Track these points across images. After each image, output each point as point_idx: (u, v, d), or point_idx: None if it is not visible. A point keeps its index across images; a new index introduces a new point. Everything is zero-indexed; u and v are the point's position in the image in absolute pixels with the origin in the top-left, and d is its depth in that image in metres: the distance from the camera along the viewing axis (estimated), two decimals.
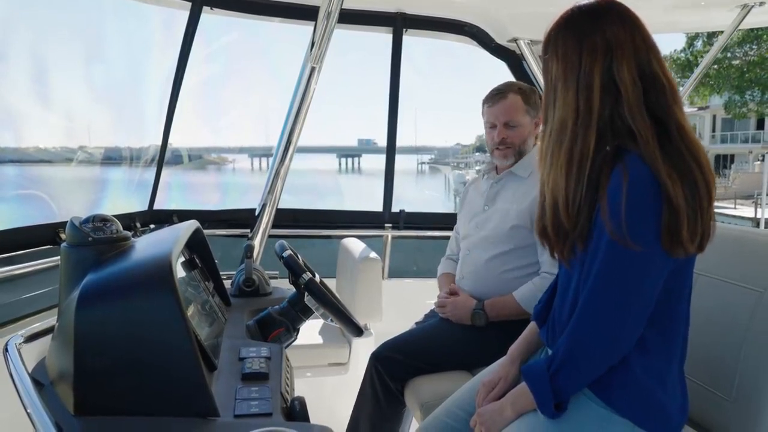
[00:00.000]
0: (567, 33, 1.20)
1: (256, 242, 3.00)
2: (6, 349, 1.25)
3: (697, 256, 1.17)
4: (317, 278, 1.67)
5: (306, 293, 1.60)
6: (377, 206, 3.49)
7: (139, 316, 1.07)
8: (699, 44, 19.07)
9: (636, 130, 1.12)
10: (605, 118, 1.15)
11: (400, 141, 3.55)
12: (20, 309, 2.00)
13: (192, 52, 2.92)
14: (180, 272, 1.33)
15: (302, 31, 3.00)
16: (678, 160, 1.10)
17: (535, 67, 3.31)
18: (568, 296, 1.24)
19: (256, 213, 3.04)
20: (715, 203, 1.15)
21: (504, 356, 1.46)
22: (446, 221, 3.44)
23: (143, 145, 3.58)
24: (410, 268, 3.98)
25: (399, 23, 3.26)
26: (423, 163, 56.96)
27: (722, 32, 3.21)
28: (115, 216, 1.31)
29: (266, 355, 1.33)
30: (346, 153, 62.82)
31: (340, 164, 60.27)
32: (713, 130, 32.11)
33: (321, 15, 2.57)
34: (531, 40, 3.28)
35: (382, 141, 3.51)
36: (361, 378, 2.00)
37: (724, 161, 31.68)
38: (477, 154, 44.82)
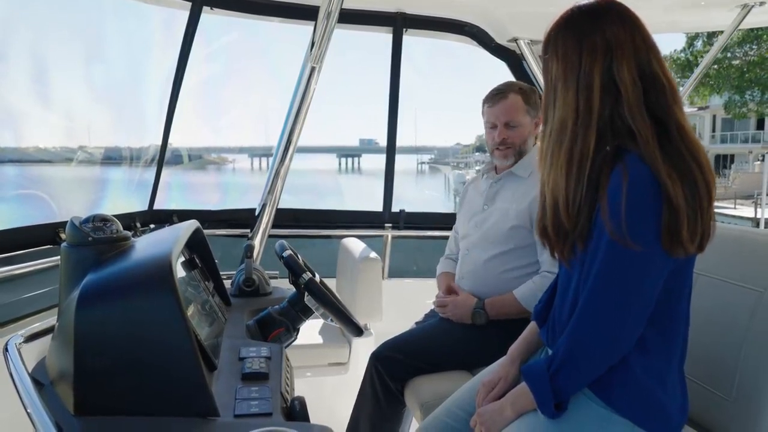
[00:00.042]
0: (567, 33, 1.20)
1: (256, 242, 3.00)
2: (6, 349, 1.25)
3: (697, 256, 1.17)
4: (317, 278, 1.67)
5: (306, 293, 1.60)
6: (377, 206, 3.49)
7: (139, 316, 1.07)
8: (699, 44, 19.06)
9: (636, 130, 1.12)
10: (605, 118, 1.15)
11: (400, 141, 3.56)
12: (20, 309, 2.00)
13: (192, 52, 2.92)
14: (180, 272, 1.33)
15: (302, 31, 3.00)
16: (678, 160, 1.10)
17: (535, 67, 3.31)
18: (568, 296, 1.24)
19: (256, 213, 3.05)
20: (715, 203, 1.15)
21: (504, 356, 1.46)
22: (446, 221, 3.44)
23: (143, 144, 3.58)
24: (410, 268, 3.98)
25: (399, 23, 3.26)
26: (423, 162, 57.00)
27: (722, 32, 3.21)
28: (115, 216, 1.31)
29: (266, 355, 1.33)
30: (346, 153, 62.85)
31: (340, 164, 60.30)
32: (713, 130, 32.11)
33: (321, 15, 2.57)
34: (531, 40, 3.28)
35: (384, 141, 3.51)
36: (361, 378, 2.00)
37: (724, 161, 31.68)
38: (477, 154, 44.86)
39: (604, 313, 1.13)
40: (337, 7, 2.53)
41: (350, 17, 3.09)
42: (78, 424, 1.02)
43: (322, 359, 2.52)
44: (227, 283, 1.84)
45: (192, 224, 1.58)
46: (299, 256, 1.76)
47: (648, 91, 1.14)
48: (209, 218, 3.20)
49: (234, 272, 1.99)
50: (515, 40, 3.28)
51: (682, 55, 19.69)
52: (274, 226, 3.08)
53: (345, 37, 3.22)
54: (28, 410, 1.04)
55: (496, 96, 2.00)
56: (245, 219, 3.17)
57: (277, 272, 2.75)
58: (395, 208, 3.50)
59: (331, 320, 1.86)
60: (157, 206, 3.07)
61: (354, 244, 2.68)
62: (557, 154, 1.18)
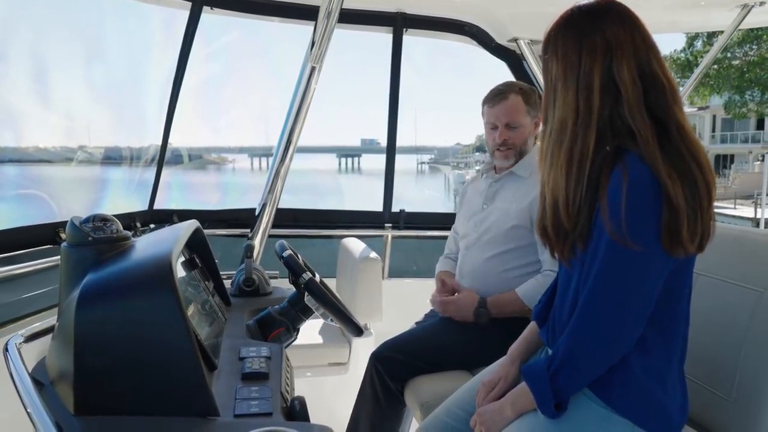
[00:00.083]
0: (567, 33, 1.20)
1: (256, 242, 3.01)
2: (6, 349, 1.25)
3: (697, 256, 1.17)
4: (317, 278, 1.67)
5: (306, 293, 1.60)
6: (377, 206, 3.49)
7: (139, 315, 1.07)
8: (699, 44, 19.05)
9: (636, 130, 1.12)
10: (605, 118, 1.15)
11: (400, 141, 3.55)
12: (20, 309, 2.00)
13: (192, 51, 2.92)
14: (180, 272, 1.33)
15: (302, 31, 3.00)
16: (678, 160, 1.10)
17: (535, 67, 3.31)
18: (568, 296, 1.24)
19: (256, 213, 3.05)
20: (715, 203, 1.15)
21: (504, 356, 1.46)
22: (446, 221, 3.43)
23: (143, 144, 3.58)
24: (410, 267, 3.98)
25: (399, 23, 3.26)
26: (423, 162, 56.95)
27: (722, 32, 3.21)
28: (115, 216, 1.31)
29: (266, 354, 1.33)
30: (346, 153, 62.83)
31: (340, 164, 60.28)
32: (713, 130, 32.10)
33: (321, 15, 2.57)
34: (531, 40, 3.28)
35: (385, 141, 3.51)
36: (361, 378, 2.00)
37: (724, 161, 31.68)
38: (477, 153, 44.83)
39: (604, 313, 1.13)
40: (337, 7, 2.53)
41: (350, 17, 3.09)
42: (78, 424, 1.02)
43: (322, 359, 2.52)
44: (227, 283, 1.84)
45: (192, 224, 1.58)
46: (299, 256, 1.76)
47: (648, 91, 1.14)
48: (209, 218, 3.20)
49: (234, 272, 1.99)
50: (515, 40, 3.28)
51: (682, 55, 19.68)
52: (274, 226, 3.08)
53: (345, 37, 3.22)
54: (28, 410, 1.04)
55: (497, 97, 2.00)
56: (245, 219, 3.17)
57: (277, 272, 2.75)
58: (395, 208, 3.50)
59: (331, 320, 1.86)
60: (157, 206, 3.07)
61: (354, 244, 2.68)
62: (557, 154, 1.18)
